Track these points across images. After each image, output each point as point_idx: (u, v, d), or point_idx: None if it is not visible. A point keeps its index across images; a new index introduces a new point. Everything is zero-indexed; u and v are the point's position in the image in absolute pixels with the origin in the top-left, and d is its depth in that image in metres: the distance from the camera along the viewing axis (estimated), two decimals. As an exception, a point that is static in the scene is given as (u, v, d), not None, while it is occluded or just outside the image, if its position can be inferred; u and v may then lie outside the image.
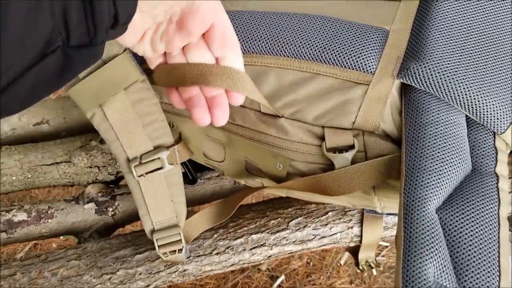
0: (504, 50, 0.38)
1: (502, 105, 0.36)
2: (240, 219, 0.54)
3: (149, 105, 0.41)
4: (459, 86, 0.35)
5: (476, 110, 0.36)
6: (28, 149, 0.57)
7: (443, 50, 0.37)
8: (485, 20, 0.39)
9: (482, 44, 0.38)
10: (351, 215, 0.54)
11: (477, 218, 0.32)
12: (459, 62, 0.36)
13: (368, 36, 0.39)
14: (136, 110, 0.40)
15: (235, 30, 0.34)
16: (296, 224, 0.53)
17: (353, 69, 0.38)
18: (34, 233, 0.55)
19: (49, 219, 0.55)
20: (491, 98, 0.36)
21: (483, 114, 0.36)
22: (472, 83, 0.36)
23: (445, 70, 0.36)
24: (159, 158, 0.42)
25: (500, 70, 0.37)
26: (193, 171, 0.54)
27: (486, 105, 0.36)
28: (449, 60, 0.36)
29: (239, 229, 0.53)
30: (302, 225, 0.53)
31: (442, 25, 0.38)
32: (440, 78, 0.36)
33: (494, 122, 0.36)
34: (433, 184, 0.33)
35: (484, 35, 0.39)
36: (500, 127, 0.36)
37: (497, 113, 0.36)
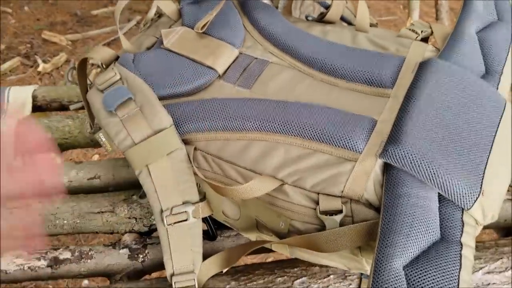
0: (475, 135, 0.47)
1: (467, 184, 0.44)
2: (251, 274, 0.61)
3: (184, 168, 0.51)
4: (429, 166, 0.44)
5: (445, 187, 0.44)
6: (80, 199, 0.69)
7: (416, 137, 0.46)
8: (458, 108, 0.48)
9: (452, 131, 0.47)
10: (350, 280, 0.59)
11: (439, 277, 0.39)
12: (429, 146, 0.45)
13: (359, 123, 0.49)
14: (174, 171, 0.51)
15: (255, 114, 0.49)
16: (301, 283, 0.60)
17: (345, 148, 0.48)
18: (74, 271, 0.64)
19: (89, 259, 0.64)
20: (457, 178, 0.44)
21: (451, 191, 0.44)
22: (440, 164, 0.44)
23: (417, 153, 0.44)
24: (185, 211, 0.51)
25: (468, 153, 0.45)
26: (213, 228, 0.63)
27: (453, 184, 0.43)
28: (421, 145, 0.45)
29: (249, 282, 0.60)
30: (305, 284, 0.60)
31: (418, 118, 0.47)
32: (413, 159, 0.44)
33: (460, 198, 0.44)
34: (401, 244, 0.40)
35: (455, 122, 0.47)
36: (466, 203, 0.44)
37: (463, 191, 0.43)
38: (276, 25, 0.62)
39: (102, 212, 0.67)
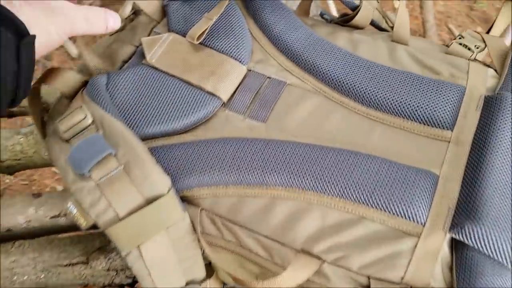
0: None
1: None
2: None
3: (188, 242, 0.39)
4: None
5: None
6: (43, 247, 0.55)
7: (499, 208, 0.35)
8: None
9: None
10: None
11: None
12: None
13: (418, 182, 0.38)
14: (175, 248, 0.38)
15: (278, 163, 0.39)
16: None
17: (402, 217, 0.37)
18: None
19: (60, 326, 0.52)
20: None
21: None
22: None
23: (503, 231, 0.34)
24: None
25: None
26: None
27: None
28: (507, 219, 0.35)
29: None
30: None
31: (497, 179, 0.37)
32: (497, 241, 0.34)
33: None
34: None
35: None
36: None
37: None
38: (293, 34, 0.49)
39: (74, 264, 0.54)
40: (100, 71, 0.46)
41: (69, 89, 0.43)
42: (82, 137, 0.38)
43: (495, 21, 0.52)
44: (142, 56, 0.48)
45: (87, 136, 0.38)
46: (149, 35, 0.51)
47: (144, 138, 0.43)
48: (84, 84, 0.44)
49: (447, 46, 0.50)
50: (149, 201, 0.37)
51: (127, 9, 0.50)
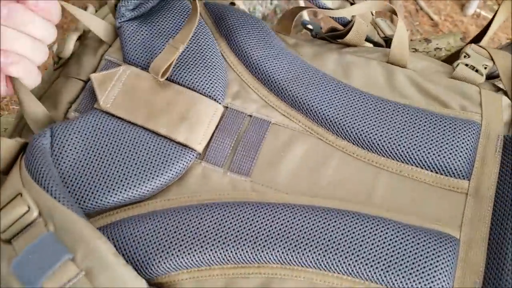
0: None
1: None
2: None
3: None
4: None
5: None
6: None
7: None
8: None
9: None
10: None
11: None
12: None
13: (437, 251, 0.32)
14: None
15: (272, 234, 0.32)
16: None
17: (422, 297, 0.31)
18: None
19: None
20: None
21: None
22: None
23: None
24: None
25: None
26: None
27: None
28: None
29: None
30: None
31: None
32: None
33: None
34: None
35: None
36: None
37: None
38: (274, 61, 0.41)
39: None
40: (42, 121, 0.37)
41: (4, 160, 0.33)
42: (28, 237, 0.29)
43: (492, 19, 0.46)
44: (93, 96, 0.39)
45: (35, 235, 0.29)
46: (98, 64, 0.41)
47: (103, 210, 0.35)
48: (24, 147, 0.34)
49: (447, 61, 0.44)
50: None
51: (71, 45, 0.40)
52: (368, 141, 0.37)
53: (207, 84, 0.39)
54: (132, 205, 0.36)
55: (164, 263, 0.33)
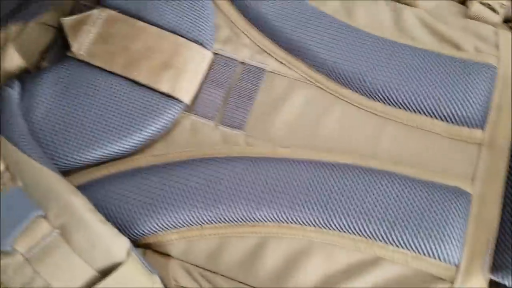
0: None
1: None
2: None
3: None
4: None
5: None
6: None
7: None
8: None
9: None
10: None
11: None
12: None
13: (447, 207, 0.30)
14: None
15: (268, 191, 0.30)
16: None
17: (430, 257, 0.29)
18: None
19: None
20: None
21: None
22: None
23: None
24: None
25: None
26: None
27: None
28: None
29: None
30: None
31: None
32: None
33: None
34: None
35: None
36: None
37: None
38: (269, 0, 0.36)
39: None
40: (13, 72, 0.33)
41: None
42: None
43: None
44: (65, 42, 0.34)
45: (1, 192, 0.26)
46: (72, 10, 0.37)
47: (81, 168, 0.32)
48: None
49: (463, 3, 0.40)
50: (104, 273, 0.26)
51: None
52: (373, 89, 0.34)
53: (192, 26, 0.35)
54: (114, 161, 0.33)
55: (150, 222, 0.30)
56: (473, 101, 0.33)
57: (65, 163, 0.31)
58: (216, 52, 0.36)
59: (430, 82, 0.33)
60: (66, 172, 0.32)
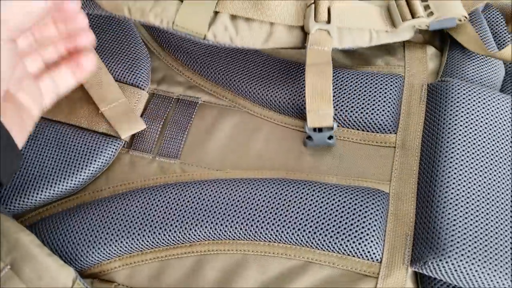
0: None
1: None
2: None
3: None
4: (485, 278, 0.28)
5: None
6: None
7: (466, 229, 0.29)
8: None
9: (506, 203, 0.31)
10: None
11: None
12: (481, 250, 0.29)
13: (366, 208, 0.31)
14: None
15: (200, 212, 0.32)
16: None
17: (354, 256, 0.31)
18: None
19: None
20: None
21: None
22: (494, 271, 0.29)
23: (470, 263, 0.28)
24: None
25: None
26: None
27: None
28: (472, 250, 0.29)
29: None
30: None
31: (458, 193, 0.31)
32: (463, 272, 0.28)
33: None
34: None
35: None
36: None
37: None
38: (195, 42, 0.40)
39: None
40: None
41: None
42: None
43: None
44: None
45: None
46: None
47: (31, 209, 0.35)
48: None
49: None
50: None
51: None
52: (293, 109, 0.37)
53: (128, 72, 0.38)
54: (61, 200, 0.35)
55: (93, 253, 0.32)
56: (384, 109, 0.35)
57: (15, 206, 0.34)
58: (152, 92, 0.39)
59: (342, 96, 0.36)
60: (17, 215, 0.35)
